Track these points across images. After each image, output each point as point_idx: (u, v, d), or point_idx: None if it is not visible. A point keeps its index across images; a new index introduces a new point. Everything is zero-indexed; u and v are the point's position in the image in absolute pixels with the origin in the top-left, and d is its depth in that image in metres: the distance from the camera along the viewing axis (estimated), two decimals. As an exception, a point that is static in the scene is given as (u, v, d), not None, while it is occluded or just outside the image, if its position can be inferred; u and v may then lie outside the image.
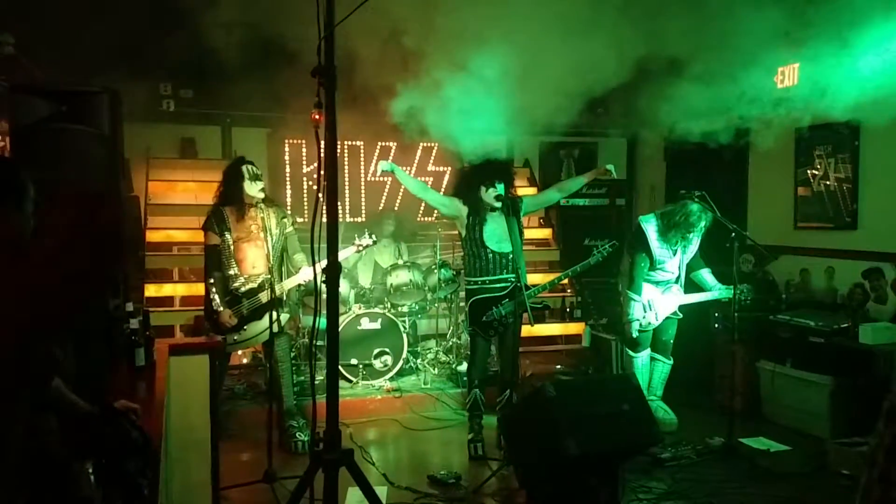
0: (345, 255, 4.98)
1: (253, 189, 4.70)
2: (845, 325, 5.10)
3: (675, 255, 5.25)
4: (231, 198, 4.74)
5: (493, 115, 4.53)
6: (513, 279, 4.71)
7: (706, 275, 5.35)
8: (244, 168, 4.72)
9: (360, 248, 5.08)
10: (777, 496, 4.14)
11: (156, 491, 1.88)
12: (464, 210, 4.82)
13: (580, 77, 4.33)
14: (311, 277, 4.80)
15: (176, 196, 7.65)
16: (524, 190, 8.79)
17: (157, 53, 6.56)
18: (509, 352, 4.86)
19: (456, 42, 4.20)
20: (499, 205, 4.72)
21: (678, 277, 5.32)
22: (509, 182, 4.88)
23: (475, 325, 4.82)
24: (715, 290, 5.25)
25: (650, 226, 5.25)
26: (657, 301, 5.29)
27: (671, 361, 5.44)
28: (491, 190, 4.71)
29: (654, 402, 5.32)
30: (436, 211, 7.83)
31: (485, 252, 4.75)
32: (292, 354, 6.28)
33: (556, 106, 4.60)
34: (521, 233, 4.88)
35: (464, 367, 6.61)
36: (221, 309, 4.67)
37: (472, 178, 4.82)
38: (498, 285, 4.75)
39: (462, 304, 5.91)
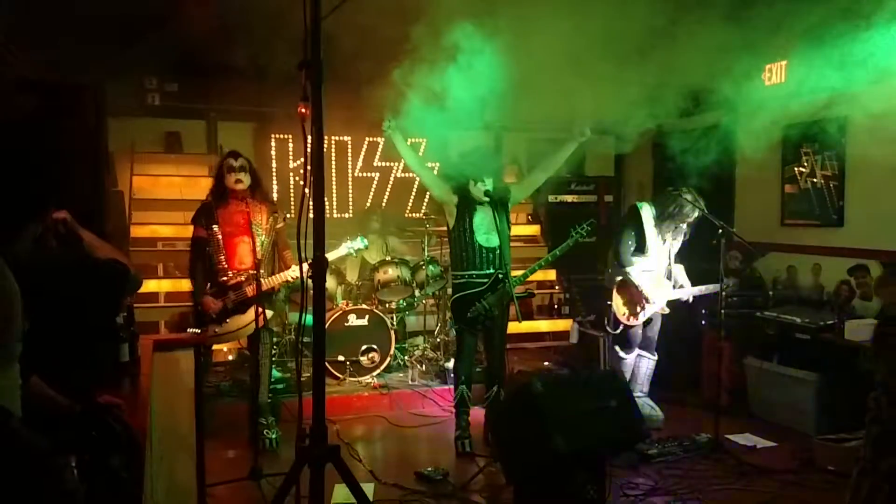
0: (335, 256, 4.98)
1: (230, 181, 4.69)
2: (831, 321, 5.13)
3: (664, 243, 5.26)
4: (215, 192, 4.76)
5: (482, 112, 4.51)
6: (498, 273, 4.72)
7: (678, 271, 5.39)
8: (224, 161, 4.75)
9: (352, 251, 5.09)
10: (763, 492, 4.15)
11: (140, 487, 1.86)
12: (454, 198, 4.79)
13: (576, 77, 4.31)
14: (297, 275, 4.80)
15: (161, 191, 7.58)
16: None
17: (143, 47, 6.49)
18: (496, 348, 4.87)
19: (443, 37, 4.17)
20: (487, 199, 4.70)
21: (668, 273, 5.32)
22: (498, 178, 4.88)
23: (461, 323, 4.81)
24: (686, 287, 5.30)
25: (646, 209, 5.27)
26: (650, 293, 5.26)
27: (656, 357, 5.45)
28: (480, 184, 4.69)
29: (641, 399, 5.33)
30: (423, 206, 7.85)
31: (472, 245, 4.73)
32: (276, 351, 6.25)
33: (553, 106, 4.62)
34: (509, 226, 4.87)
35: (451, 363, 6.60)
36: (204, 296, 4.66)
37: (461, 171, 4.78)
38: (483, 280, 4.74)
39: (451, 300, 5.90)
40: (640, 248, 5.27)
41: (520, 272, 5.19)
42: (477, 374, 5.16)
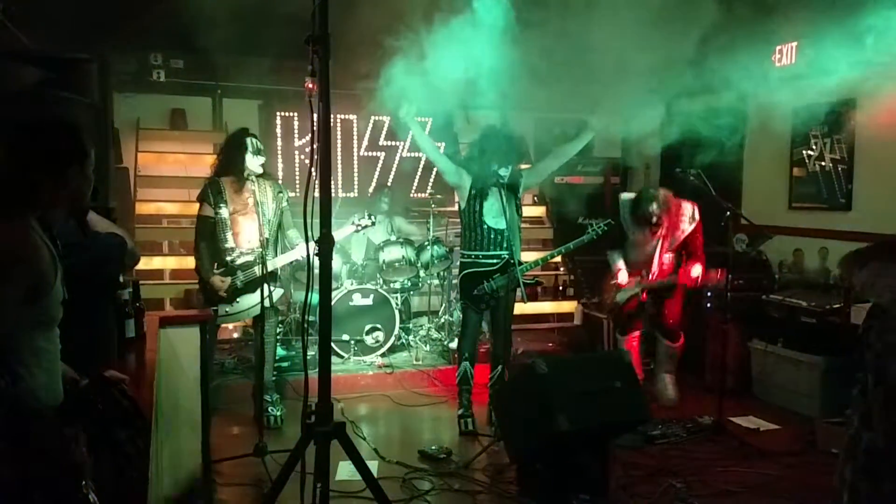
0: (343, 234, 4.93)
1: (254, 163, 4.65)
2: (837, 305, 5.11)
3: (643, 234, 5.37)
4: (230, 168, 4.66)
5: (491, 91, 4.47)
6: (506, 255, 4.71)
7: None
8: (248, 140, 4.65)
9: (359, 228, 5.08)
10: (766, 475, 4.15)
11: (147, 461, 1.86)
12: (467, 181, 4.76)
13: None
14: (305, 254, 4.80)
15: (166, 168, 7.57)
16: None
17: (148, 22, 6.46)
18: (501, 328, 4.86)
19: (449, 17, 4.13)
20: (504, 180, 4.67)
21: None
22: (519, 163, 4.89)
23: (466, 299, 4.83)
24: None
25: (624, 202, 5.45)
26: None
27: (676, 343, 5.52)
28: (503, 169, 4.65)
29: (660, 376, 5.53)
30: (429, 186, 7.84)
31: (481, 227, 4.73)
32: (281, 329, 6.28)
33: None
34: (520, 209, 4.87)
35: (455, 344, 6.62)
36: (212, 276, 4.63)
37: (487, 153, 4.70)
38: (491, 261, 4.74)
39: (455, 281, 5.90)
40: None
41: (533, 258, 5.21)
42: (482, 355, 5.18)
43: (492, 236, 4.73)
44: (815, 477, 4.13)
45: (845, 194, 5.90)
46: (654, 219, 5.19)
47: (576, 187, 8.41)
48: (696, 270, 5.22)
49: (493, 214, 4.72)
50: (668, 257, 5.32)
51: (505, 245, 4.72)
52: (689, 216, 5.26)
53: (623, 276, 5.42)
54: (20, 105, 3.09)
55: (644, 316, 5.57)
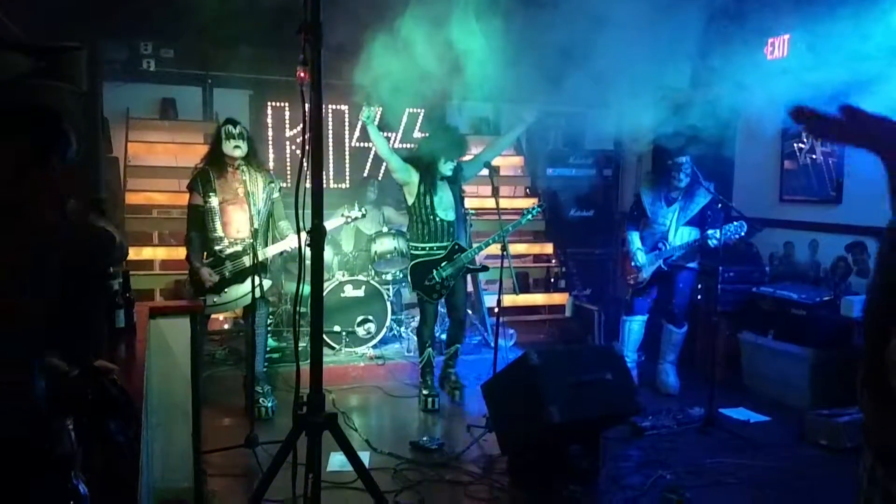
0: (332, 225, 4.96)
1: (228, 148, 4.63)
2: (828, 297, 5.14)
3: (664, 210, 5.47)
4: (213, 159, 4.70)
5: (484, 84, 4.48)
6: (449, 245, 5.07)
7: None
8: (222, 129, 4.69)
9: (349, 219, 5.17)
10: (756, 466, 4.18)
11: (138, 451, 1.85)
12: (415, 177, 5.02)
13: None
14: (296, 245, 4.80)
15: (156, 158, 7.52)
16: (510, 159, 8.77)
17: (138, 11, 6.40)
18: (458, 311, 5.30)
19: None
20: (450, 174, 5.03)
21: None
22: (461, 157, 5.18)
23: (418, 290, 5.12)
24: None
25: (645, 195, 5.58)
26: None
27: (681, 329, 5.60)
28: (449, 163, 4.99)
29: (664, 366, 5.64)
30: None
31: (433, 219, 5.03)
32: (272, 321, 6.26)
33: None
34: (463, 202, 5.27)
35: (445, 335, 6.62)
36: (199, 267, 4.63)
37: (433, 149, 5.01)
38: (442, 251, 5.06)
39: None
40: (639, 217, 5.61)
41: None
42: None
43: (444, 227, 5.06)
44: (803, 468, 4.16)
45: (835, 187, 5.92)
46: (680, 174, 5.30)
47: (568, 180, 8.42)
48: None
49: (444, 207, 5.07)
50: (684, 231, 5.36)
51: (455, 235, 5.11)
52: (704, 189, 5.31)
53: (641, 256, 5.48)
54: (7, 93, 3.06)
55: (651, 299, 5.62)
